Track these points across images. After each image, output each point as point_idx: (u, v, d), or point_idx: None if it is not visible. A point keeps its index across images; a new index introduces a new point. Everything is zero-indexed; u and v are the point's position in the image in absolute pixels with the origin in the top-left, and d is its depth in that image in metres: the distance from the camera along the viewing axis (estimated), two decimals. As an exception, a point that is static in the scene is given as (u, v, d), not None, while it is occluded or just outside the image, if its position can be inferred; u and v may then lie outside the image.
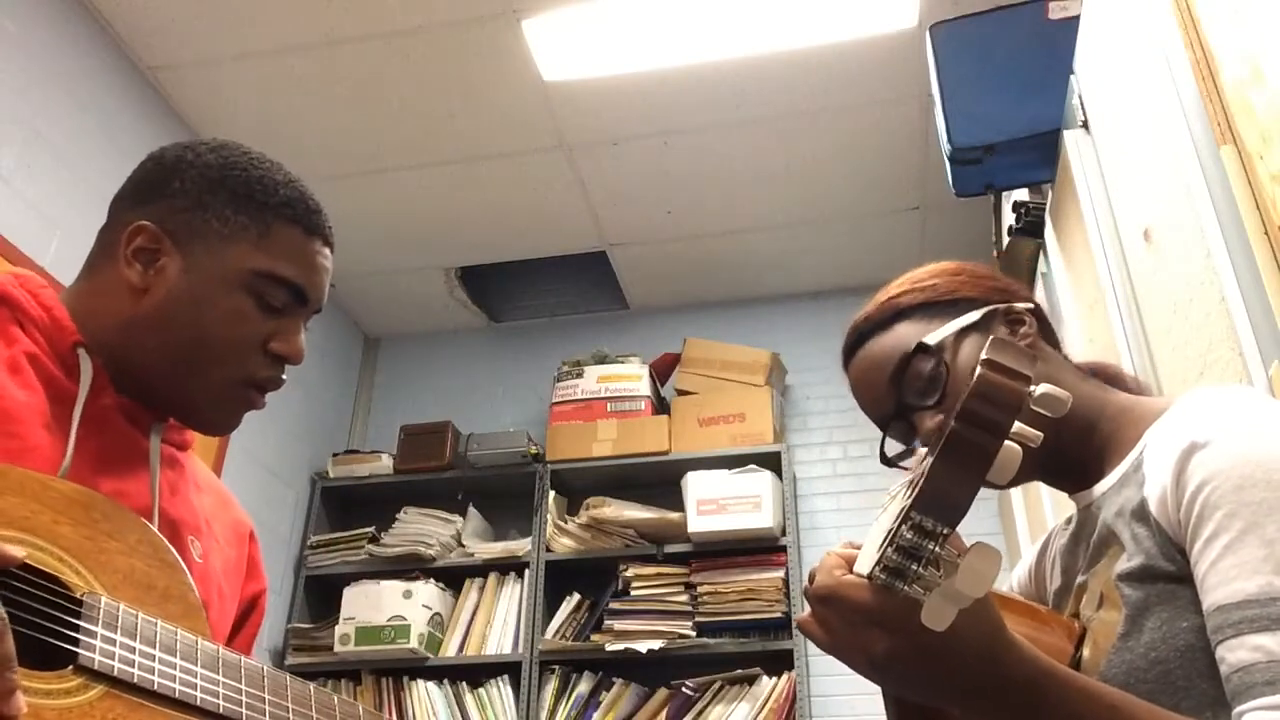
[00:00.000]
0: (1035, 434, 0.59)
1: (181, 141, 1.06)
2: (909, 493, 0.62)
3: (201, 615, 0.88)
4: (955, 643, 0.65)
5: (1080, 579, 0.93)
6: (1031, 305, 0.98)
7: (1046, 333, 0.99)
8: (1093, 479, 0.93)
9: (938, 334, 0.94)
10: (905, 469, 1.00)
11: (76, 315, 0.97)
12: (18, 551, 0.71)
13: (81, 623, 0.76)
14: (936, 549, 0.58)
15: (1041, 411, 0.60)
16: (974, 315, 0.95)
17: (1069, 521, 0.99)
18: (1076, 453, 0.93)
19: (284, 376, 1.02)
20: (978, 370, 0.57)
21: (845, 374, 1.02)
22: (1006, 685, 0.69)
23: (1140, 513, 0.83)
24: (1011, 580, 1.10)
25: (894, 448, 1.00)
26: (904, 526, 0.58)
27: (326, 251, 1.05)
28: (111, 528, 0.85)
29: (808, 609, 0.73)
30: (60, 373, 0.94)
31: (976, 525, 3.47)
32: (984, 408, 0.55)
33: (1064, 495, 0.99)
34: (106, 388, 0.96)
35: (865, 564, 0.67)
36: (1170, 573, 0.79)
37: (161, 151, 1.04)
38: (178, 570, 0.88)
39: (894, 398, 0.95)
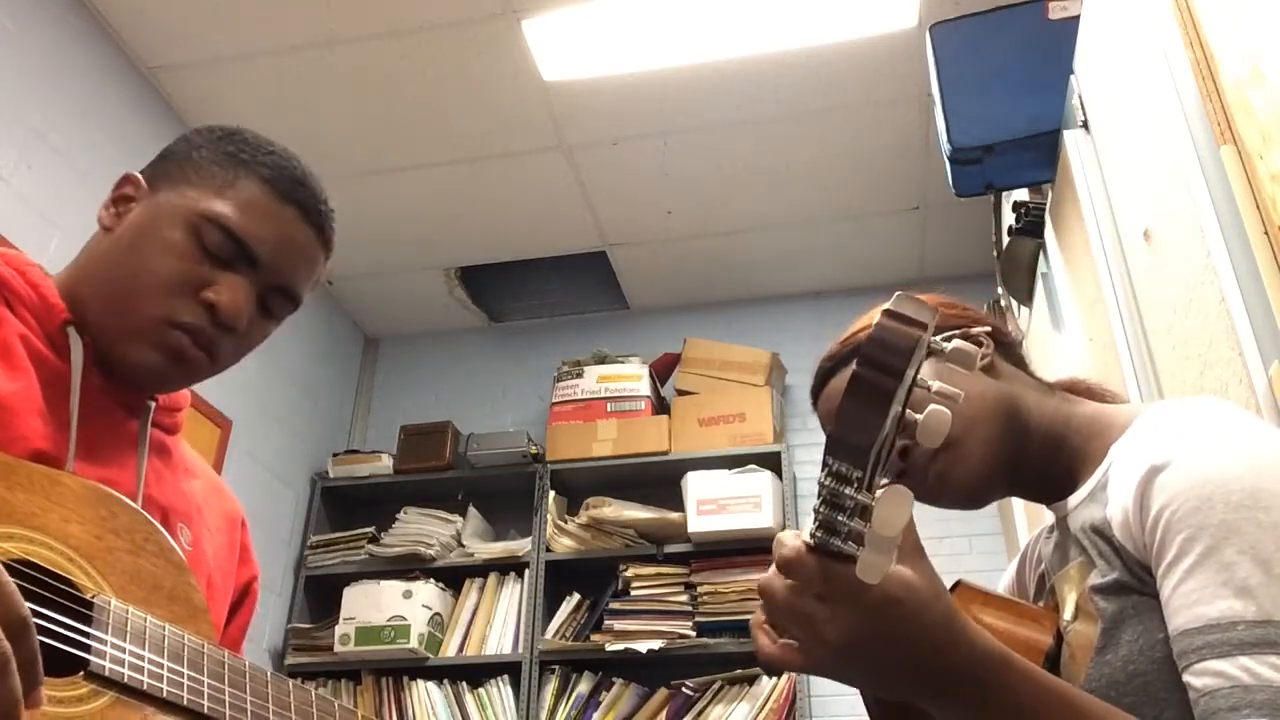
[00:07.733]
0: (955, 391, 0.62)
1: None
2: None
3: (206, 617, 0.88)
4: (906, 625, 0.65)
5: (1051, 582, 0.95)
6: (988, 328, 1.02)
7: (1008, 352, 1.02)
8: (1065, 491, 0.94)
9: None
10: None
11: (66, 291, 0.96)
12: None
13: (93, 629, 0.76)
14: (856, 494, 0.60)
15: (955, 368, 0.65)
16: None
17: (1051, 530, 1.00)
18: (1047, 467, 0.95)
19: (212, 331, 0.95)
20: (877, 318, 0.61)
21: (815, 413, 1.07)
22: (957, 670, 0.68)
23: (1103, 532, 0.84)
24: (999, 586, 1.11)
25: None
26: (823, 474, 0.61)
27: (303, 228, 1.01)
28: (119, 525, 0.85)
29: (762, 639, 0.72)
30: (50, 353, 0.92)
31: (976, 525, 3.47)
32: (879, 352, 0.59)
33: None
34: (94, 369, 0.94)
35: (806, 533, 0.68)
36: (1141, 589, 0.80)
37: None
38: (184, 570, 0.88)
39: None
